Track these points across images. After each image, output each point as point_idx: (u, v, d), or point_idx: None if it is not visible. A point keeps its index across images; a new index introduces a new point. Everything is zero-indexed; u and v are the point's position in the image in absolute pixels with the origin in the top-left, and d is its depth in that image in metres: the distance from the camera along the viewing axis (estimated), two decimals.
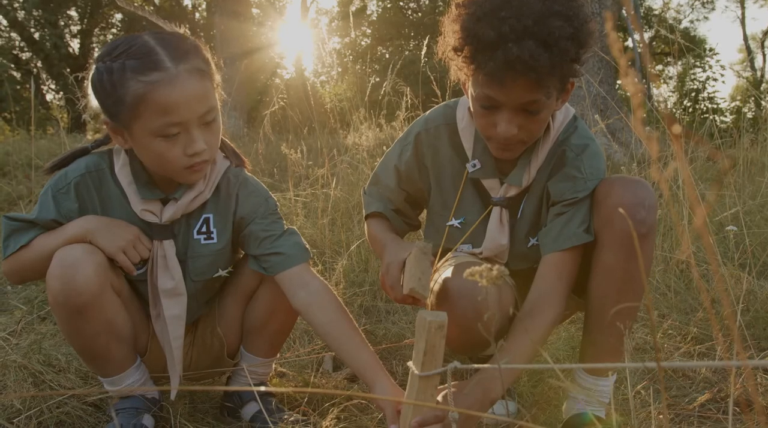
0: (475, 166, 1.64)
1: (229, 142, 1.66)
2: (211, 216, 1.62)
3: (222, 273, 1.68)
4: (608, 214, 1.48)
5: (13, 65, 19.09)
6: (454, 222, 1.71)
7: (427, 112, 1.75)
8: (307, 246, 1.66)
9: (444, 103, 1.75)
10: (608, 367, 1.50)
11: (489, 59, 1.32)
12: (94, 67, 1.39)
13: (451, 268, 1.55)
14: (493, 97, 1.41)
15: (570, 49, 1.33)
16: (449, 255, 1.72)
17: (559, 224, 1.55)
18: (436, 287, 1.55)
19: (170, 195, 1.54)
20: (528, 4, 1.31)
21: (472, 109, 1.53)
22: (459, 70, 1.45)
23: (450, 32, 1.43)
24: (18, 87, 18.46)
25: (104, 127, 1.45)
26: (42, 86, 19.87)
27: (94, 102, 1.43)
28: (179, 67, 1.34)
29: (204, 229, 1.61)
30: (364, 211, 1.84)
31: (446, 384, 1.16)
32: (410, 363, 1.23)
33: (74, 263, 1.40)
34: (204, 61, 1.42)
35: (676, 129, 0.47)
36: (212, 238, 1.62)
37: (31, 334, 2.19)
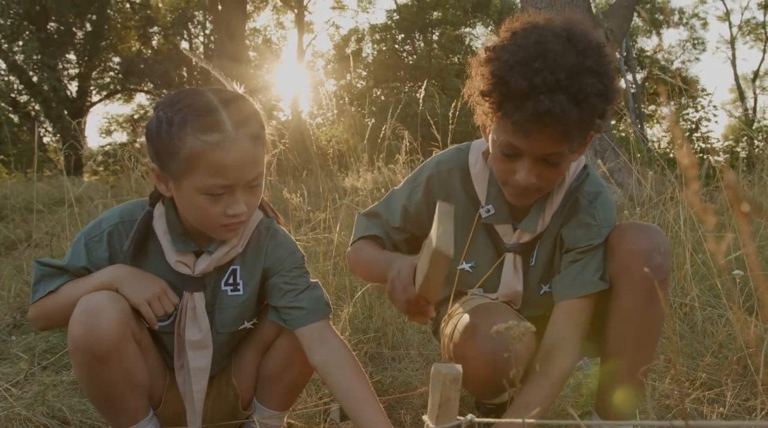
0: (489, 211, 1.63)
1: (265, 199, 1.65)
2: (238, 267, 1.61)
3: (247, 325, 1.67)
4: (624, 261, 1.49)
5: (11, 108, 19.21)
6: (465, 265, 1.70)
7: (438, 154, 1.74)
8: (329, 301, 1.65)
9: (456, 146, 1.74)
10: (635, 424, 1.48)
11: (518, 109, 1.32)
12: (153, 114, 1.40)
13: (470, 317, 1.54)
14: (517, 146, 1.41)
15: (598, 105, 1.34)
16: (465, 298, 1.70)
17: (574, 271, 1.55)
18: (456, 336, 1.54)
19: (204, 248, 1.54)
20: (562, 57, 1.31)
21: (491, 153, 1.52)
22: (484, 114, 1.45)
23: (478, 76, 1.43)
24: (15, 129, 18.55)
25: (151, 172, 1.46)
26: (39, 129, 20.00)
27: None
28: (238, 131, 1.36)
29: (231, 281, 1.61)
30: (358, 232, 1.76)
31: None
32: (425, 417, 1.22)
33: (98, 310, 1.40)
34: (261, 126, 1.43)
35: (745, 207, 0.47)
36: (238, 290, 1.61)
37: (33, 385, 2.16)
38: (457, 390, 1.17)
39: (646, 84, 27.50)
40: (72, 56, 23.08)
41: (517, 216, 1.63)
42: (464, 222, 1.68)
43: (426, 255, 1.32)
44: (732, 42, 32.07)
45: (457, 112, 4.01)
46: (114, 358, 1.42)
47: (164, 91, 23.40)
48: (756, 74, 32.52)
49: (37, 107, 20.78)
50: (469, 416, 1.13)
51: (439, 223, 1.22)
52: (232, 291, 1.61)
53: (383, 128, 4.25)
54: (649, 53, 29.81)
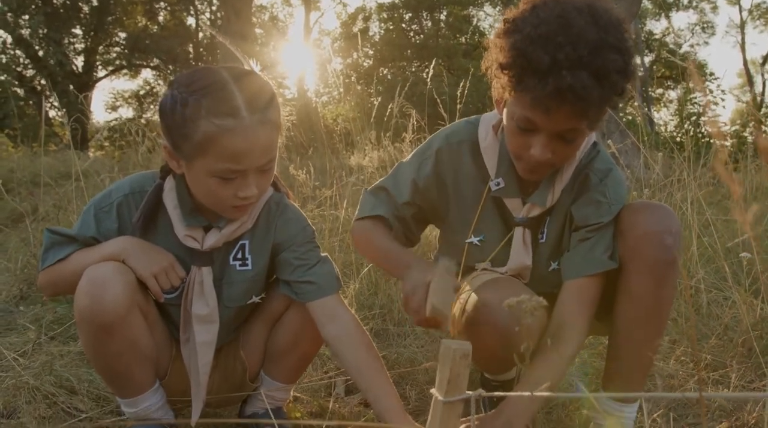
0: (498, 184, 1.62)
1: (276, 174, 1.63)
2: (247, 242, 1.61)
3: (255, 299, 1.67)
4: (635, 242, 1.48)
5: (17, 82, 19.17)
6: (474, 239, 1.69)
7: (447, 127, 1.72)
8: (339, 276, 1.65)
9: (465, 119, 1.73)
10: (645, 396, 1.47)
11: (538, 84, 1.30)
12: (168, 91, 1.38)
13: (479, 293, 1.54)
14: (534, 121, 1.39)
15: (619, 82, 1.32)
16: (474, 274, 1.70)
17: (584, 249, 1.54)
18: (467, 310, 1.53)
19: (214, 223, 1.54)
20: (584, 33, 1.29)
21: (506, 127, 1.51)
22: (502, 88, 1.43)
23: (497, 47, 1.40)
24: (21, 103, 18.54)
25: (162, 149, 1.45)
26: (45, 103, 19.97)
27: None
28: (253, 116, 1.34)
29: (240, 256, 1.61)
30: (363, 210, 1.74)
31: (470, 416, 1.14)
32: (433, 390, 1.22)
33: (104, 281, 1.40)
34: (276, 108, 1.41)
35: None
36: (247, 265, 1.61)
37: (41, 355, 2.17)
38: (466, 365, 1.17)
39: (654, 67, 27.31)
40: (78, 31, 22.99)
41: (527, 191, 1.62)
42: (473, 196, 1.67)
43: (436, 280, 1.35)
44: (742, 26, 31.84)
45: (465, 91, 3.99)
46: (119, 329, 1.43)
47: (170, 67, 23.31)
48: (765, 59, 32.31)
49: (42, 82, 20.73)
50: (479, 390, 1.13)
51: (437, 283, 1.26)
52: (240, 265, 1.61)
53: (390, 106, 4.23)
54: (657, 36, 29.61)
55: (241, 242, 1.60)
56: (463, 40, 27.18)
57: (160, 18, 25.58)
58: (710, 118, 0.49)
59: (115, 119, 23.93)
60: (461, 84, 4.03)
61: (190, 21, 25.92)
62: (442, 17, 28.58)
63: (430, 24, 28.54)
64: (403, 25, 28.51)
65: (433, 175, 1.67)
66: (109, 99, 28.87)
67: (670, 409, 1.90)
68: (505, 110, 1.50)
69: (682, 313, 2.60)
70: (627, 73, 1.34)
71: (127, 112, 27.88)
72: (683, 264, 2.92)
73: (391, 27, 28.54)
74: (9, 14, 19.08)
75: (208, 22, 25.24)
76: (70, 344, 2.33)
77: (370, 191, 1.77)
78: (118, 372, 1.52)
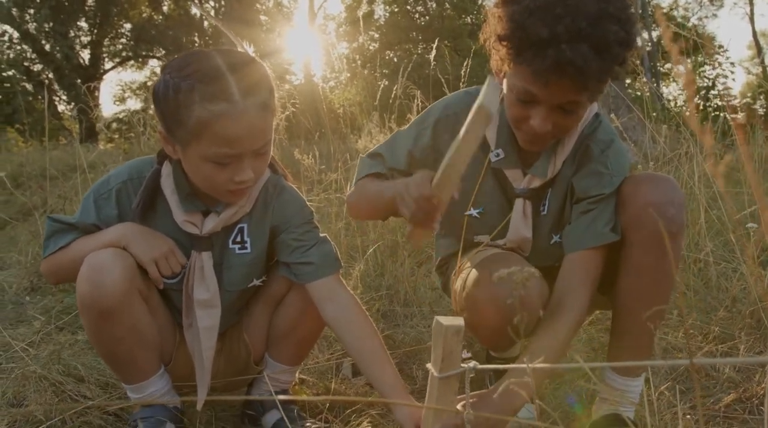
0: (498, 155, 1.60)
1: (273, 156, 1.62)
2: (245, 225, 1.60)
3: (256, 282, 1.67)
4: (637, 214, 1.46)
5: (24, 77, 19.24)
6: (473, 211, 1.68)
7: (446, 98, 1.70)
8: (339, 256, 1.64)
9: (464, 89, 1.71)
10: (640, 364, 1.47)
11: (537, 57, 1.28)
12: (161, 76, 1.37)
13: (481, 266, 1.53)
14: (534, 93, 1.37)
15: (620, 53, 1.30)
16: (476, 250, 1.68)
17: (585, 222, 1.53)
18: (468, 286, 1.52)
19: (212, 208, 1.53)
20: (584, 4, 1.26)
21: (505, 98, 1.49)
22: (501, 60, 1.41)
23: (495, 18, 1.38)
24: (30, 98, 18.62)
25: (158, 134, 1.45)
26: (53, 97, 20.03)
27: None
28: (247, 100, 1.32)
29: (238, 239, 1.60)
30: (361, 172, 1.71)
31: (465, 394, 1.14)
32: (429, 365, 1.22)
33: (103, 267, 1.40)
34: (270, 92, 1.39)
35: (741, 118, 0.45)
36: (246, 248, 1.61)
37: (49, 344, 2.19)
38: (459, 342, 1.17)
39: (662, 42, 27.03)
40: (83, 23, 23.04)
41: (527, 162, 1.60)
42: (471, 168, 1.64)
43: (452, 147, 1.28)
44: None
45: (468, 70, 3.97)
46: (120, 315, 1.44)
47: (176, 56, 23.34)
48: None
49: (50, 75, 20.80)
50: (473, 363, 1.13)
51: (485, 91, 1.20)
52: (239, 249, 1.61)
53: (394, 88, 4.22)
54: (665, 10, 29.27)
55: (239, 225, 1.60)
56: (469, 20, 27.01)
57: (165, 8, 25.56)
58: (677, 69, 0.48)
59: (123, 111, 24.03)
60: (464, 63, 4.02)
61: (195, 10, 25.89)
62: None
63: (434, 5, 28.35)
64: (408, 7, 28.34)
65: (430, 146, 1.65)
66: (118, 91, 28.96)
67: (678, 382, 1.89)
68: (504, 81, 1.48)
69: (691, 286, 2.58)
70: (628, 43, 1.31)
71: (135, 104, 27.98)
72: (692, 237, 2.90)
73: (396, 10, 28.37)
74: (14, 9, 19.12)
75: (212, 11, 25.18)
76: (78, 333, 2.34)
77: (367, 156, 1.74)
78: (121, 358, 1.53)
